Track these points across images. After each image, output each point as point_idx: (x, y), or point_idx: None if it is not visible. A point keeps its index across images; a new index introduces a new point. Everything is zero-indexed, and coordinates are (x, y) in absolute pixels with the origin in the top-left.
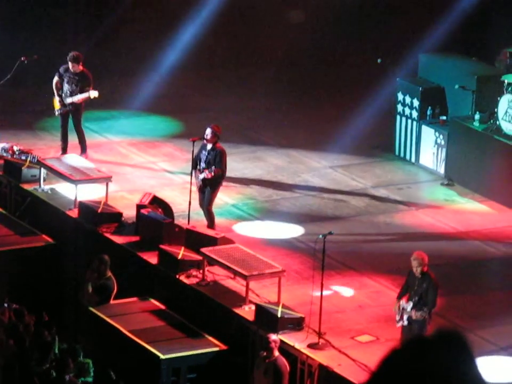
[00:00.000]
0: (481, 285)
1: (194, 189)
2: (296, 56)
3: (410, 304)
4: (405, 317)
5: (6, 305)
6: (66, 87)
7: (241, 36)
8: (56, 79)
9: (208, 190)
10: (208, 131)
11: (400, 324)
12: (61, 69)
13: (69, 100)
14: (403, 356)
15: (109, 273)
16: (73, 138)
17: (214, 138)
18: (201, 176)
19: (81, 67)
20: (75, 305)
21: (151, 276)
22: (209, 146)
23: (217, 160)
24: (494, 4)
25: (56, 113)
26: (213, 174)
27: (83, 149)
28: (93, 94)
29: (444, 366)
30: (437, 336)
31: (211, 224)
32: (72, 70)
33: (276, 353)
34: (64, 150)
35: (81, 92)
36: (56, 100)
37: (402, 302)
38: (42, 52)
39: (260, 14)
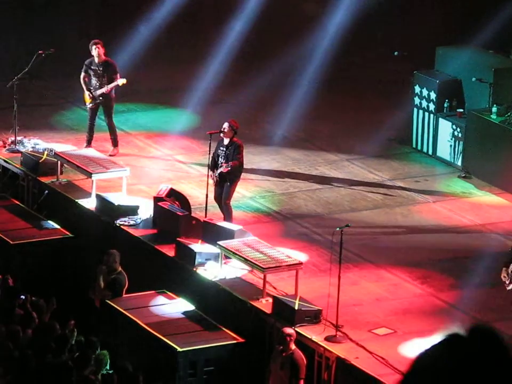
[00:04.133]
0: (498, 277)
1: (211, 182)
2: (312, 48)
3: None
4: None
5: (23, 297)
6: (94, 80)
7: (258, 30)
8: (83, 74)
9: (226, 184)
10: (226, 125)
11: (510, 287)
12: (86, 63)
13: (99, 92)
14: (437, 352)
15: (120, 268)
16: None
17: (231, 133)
18: (219, 170)
19: (104, 56)
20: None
21: (168, 269)
22: (226, 141)
23: (235, 153)
24: None
25: (88, 107)
26: (229, 168)
27: (114, 142)
28: (121, 81)
29: (477, 363)
30: (471, 333)
31: (228, 218)
32: (97, 59)
33: (293, 346)
34: (89, 142)
35: (109, 81)
36: (86, 94)
37: (511, 266)
38: (59, 46)
39: (278, 8)
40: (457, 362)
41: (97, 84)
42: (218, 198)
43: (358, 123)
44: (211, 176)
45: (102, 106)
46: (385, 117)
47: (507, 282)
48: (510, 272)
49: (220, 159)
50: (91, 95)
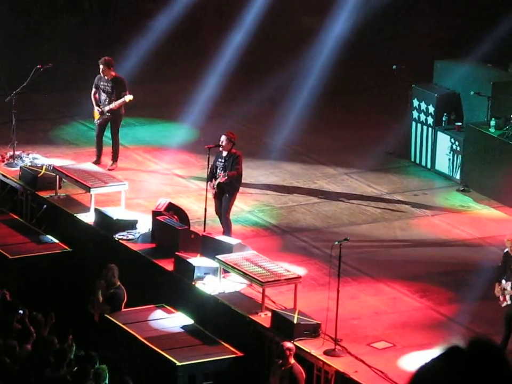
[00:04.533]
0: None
1: (210, 196)
2: (310, 62)
3: (509, 283)
4: (508, 297)
5: (21, 311)
6: (103, 96)
7: (257, 44)
8: (93, 90)
9: (225, 196)
10: (223, 138)
11: (504, 304)
12: (96, 80)
13: (106, 108)
14: (437, 366)
15: (118, 282)
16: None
17: (229, 145)
18: (217, 181)
19: (113, 73)
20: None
21: (167, 283)
22: (225, 153)
23: (233, 163)
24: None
25: (96, 123)
26: (226, 177)
27: (114, 157)
28: (128, 97)
29: (477, 377)
30: (470, 347)
31: (228, 231)
32: (104, 76)
33: (292, 360)
34: (99, 157)
35: (118, 98)
36: (96, 110)
37: (503, 282)
38: (57, 60)
39: (278, 20)
40: (456, 376)
41: (106, 100)
42: (219, 211)
43: (356, 137)
44: (209, 187)
45: (110, 122)
46: (384, 131)
47: (501, 299)
48: (502, 289)
49: (218, 170)
50: (100, 111)
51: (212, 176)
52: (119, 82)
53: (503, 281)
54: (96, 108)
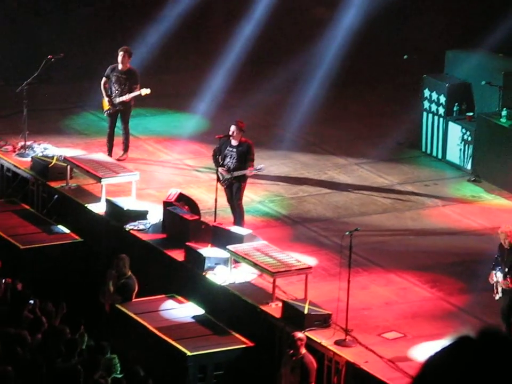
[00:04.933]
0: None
1: (221, 186)
2: (321, 52)
3: (501, 275)
4: (499, 289)
5: (32, 301)
6: (114, 86)
7: (267, 35)
8: (104, 80)
9: (236, 185)
10: (233, 128)
11: (497, 297)
12: (108, 69)
13: (118, 100)
14: (447, 356)
15: (129, 272)
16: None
17: (240, 134)
18: (240, 172)
19: (128, 64)
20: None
21: (178, 273)
22: (234, 142)
23: (248, 153)
24: None
25: (105, 113)
26: (252, 168)
27: (125, 148)
28: (144, 91)
29: (487, 367)
30: (481, 337)
31: (240, 219)
32: (119, 66)
33: (303, 350)
34: (110, 151)
35: (130, 90)
36: (105, 100)
37: (497, 273)
38: (68, 50)
39: (289, 10)
40: (466, 366)
41: (118, 90)
42: (230, 200)
43: (367, 127)
44: (221, 173)
45: (121, 113)
46: (395, 121)
47: (494, 291)
48: (496, 282)
49: (227, 159)
50: (110, 102)
51: (218, 163)
52: (133, 74)
53: (498, 273)
54: (106, 99)
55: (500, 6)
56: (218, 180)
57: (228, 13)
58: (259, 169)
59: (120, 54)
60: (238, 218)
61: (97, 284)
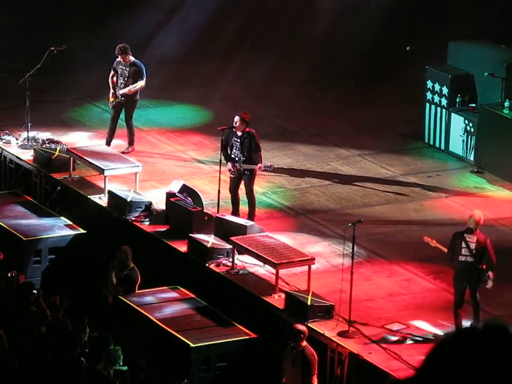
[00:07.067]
0: (510, 272)
1: (223, 177)
2: (325, 45)
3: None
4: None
5: (35, 292)
6: (120, 80)
7: (269, 25)
8: (111, 73)
9: (246, 176)
10: (237, 118)
11: (489, 285)
12: (114, 63)
13: (121, 92)
14: (450, 347)
15: (132, 264)
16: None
17: (243, 125)
18: (254, 166)
19: (131, 58)
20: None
21: (181, 265)
22: (239, 133)
23: (253, 144)
24: None
25: (110, 106)
26: (260, 160)
27: (130, 142)
28: (140, 83)
29: (491, 358)
30: (485, 328)
31: (252, 208)
32: (123, 62)
33: (304, 343)
34: (109, 143)
35: (134, 83)
36: (111, 93)
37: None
38: (72, 42)
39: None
40: (470, 357)
41: (122, 84)
42: (233, 189)
43: (369, 118)
44: (232, 166)
45: (125, 107)
46: (398, 112)
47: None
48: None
49: (234, 149)
50: (114, 94)
51: (228, 155)
52: (137, 67)
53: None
54: (111, 91)
55: None
56: (229, 170)
57: (232, 3)
58: (268, 167)
59: (119, 57)
60: (251, 207)
61: (100, 275)
